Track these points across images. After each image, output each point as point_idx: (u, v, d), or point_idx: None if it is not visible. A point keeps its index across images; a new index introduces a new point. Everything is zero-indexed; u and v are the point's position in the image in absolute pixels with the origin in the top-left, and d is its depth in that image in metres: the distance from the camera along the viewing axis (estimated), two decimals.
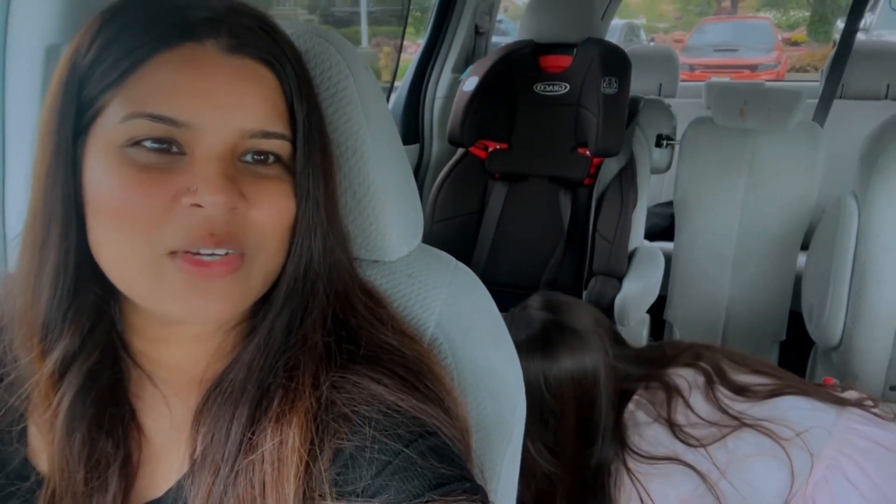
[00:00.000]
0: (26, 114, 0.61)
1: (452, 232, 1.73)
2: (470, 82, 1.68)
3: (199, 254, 0.38)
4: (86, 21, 0.61)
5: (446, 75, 2.03)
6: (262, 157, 0.41)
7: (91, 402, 0.42)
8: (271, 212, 0.40)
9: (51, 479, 0.43)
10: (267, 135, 0.40)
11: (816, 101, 2.14)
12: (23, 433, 0.45)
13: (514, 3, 7.66)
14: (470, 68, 1.77)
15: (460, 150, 1.78)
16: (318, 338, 0.43)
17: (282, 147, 0.41)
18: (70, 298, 0.40)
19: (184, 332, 0.44)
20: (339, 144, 0.49)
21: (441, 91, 2.03)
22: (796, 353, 1.69)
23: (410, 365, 0.44)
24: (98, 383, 0.42)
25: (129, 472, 0.44)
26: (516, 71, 1.72)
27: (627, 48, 1.94)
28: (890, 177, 1.25)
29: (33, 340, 0.41)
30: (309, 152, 0.42)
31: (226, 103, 0.38)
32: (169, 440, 0.45)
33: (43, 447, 0.44)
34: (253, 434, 0.40)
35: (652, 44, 8.58)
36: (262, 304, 0.43)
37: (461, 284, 0.56)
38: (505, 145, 1.76)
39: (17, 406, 0.43)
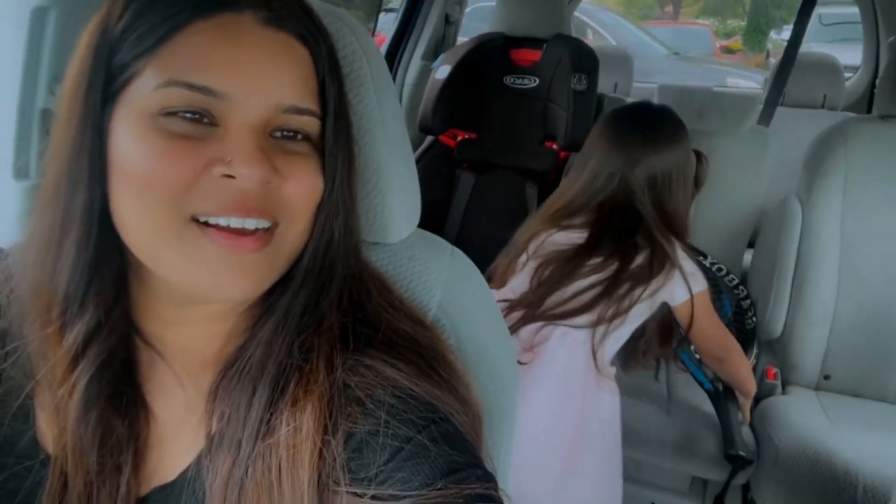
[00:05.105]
0: (11, 76, 0.57)
1: (419, 219, 1.73)
2: (442, 70, 1.69)
3: (229, 227, 0.37)
4: None
5: (416, 63, 2.03)
6: (292, 134, 0.40)
7: (107, 381, 0.40)
8: (303, 188, 0.40)
9: (58, 459, 0.41)
10: (299, 111, 0.39)
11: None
12: (30, 412, 0.43)
13: None
14: (442, 56, 1.77)
15: (429, 138, 1.79)
16: (334, 319, 0.43)
17: (311, 124, 0.41)
18: (92, 270, 0.39)
19: (198, 313, 0.43)
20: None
21: (410, 78, 2.03)
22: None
23: (424, 351, 0.44)
24: (115, 362, 0.41)
25: (140, 454, 0.43)
26: (488, 62, 1.74)
27: None
28: (831, 181, 1.35)
29: (52, 314, 0.39)
30: (338, 132, 0.42)
31: (262, 76, 0.38)
32: (181, 423, 0.44)
33: (48, 427, 0.42)
34: (271, 416, 0.40)
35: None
36: (278, 284, 0.42)
37: (460, 268, 0.57)
38: (474, 135, 1.77)
39: (24, 384, 0.42)
